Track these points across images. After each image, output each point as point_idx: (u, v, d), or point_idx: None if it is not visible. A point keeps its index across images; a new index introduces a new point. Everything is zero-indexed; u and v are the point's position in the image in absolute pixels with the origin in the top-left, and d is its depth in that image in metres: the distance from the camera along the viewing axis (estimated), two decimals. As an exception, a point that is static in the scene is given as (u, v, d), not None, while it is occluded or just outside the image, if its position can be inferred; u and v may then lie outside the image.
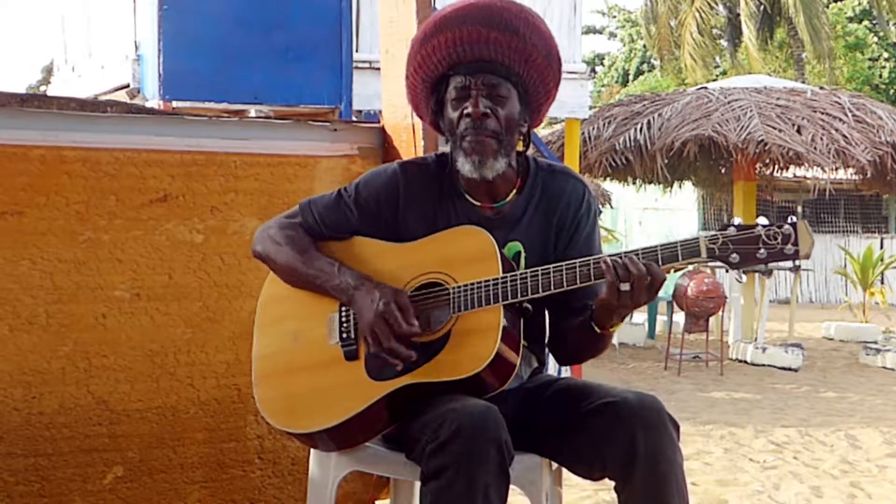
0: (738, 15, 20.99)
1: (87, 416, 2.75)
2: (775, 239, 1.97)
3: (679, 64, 20.91)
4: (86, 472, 2.76)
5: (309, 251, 2.23)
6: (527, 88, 2.19)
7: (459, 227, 2.18)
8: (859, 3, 23.74)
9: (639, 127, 9.69)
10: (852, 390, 7.83)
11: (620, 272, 1.98)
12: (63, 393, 2.73)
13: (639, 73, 28.49)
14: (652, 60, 26.57)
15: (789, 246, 1.96)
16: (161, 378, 2.83)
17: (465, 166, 2.15)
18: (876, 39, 23.47)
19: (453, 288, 2.10)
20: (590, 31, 29.72)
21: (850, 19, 23.81)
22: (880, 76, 23.40)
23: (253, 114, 4.81)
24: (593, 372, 7.67)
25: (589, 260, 2.04)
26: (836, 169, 9.42)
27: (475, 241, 2.13)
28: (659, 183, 12.08)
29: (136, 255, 2.79)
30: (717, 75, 21.58)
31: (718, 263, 2.03)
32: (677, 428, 2.04)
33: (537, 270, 2.06)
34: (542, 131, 13.02)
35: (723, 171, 11.79)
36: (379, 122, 3.17)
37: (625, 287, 1.98)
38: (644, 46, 25.82)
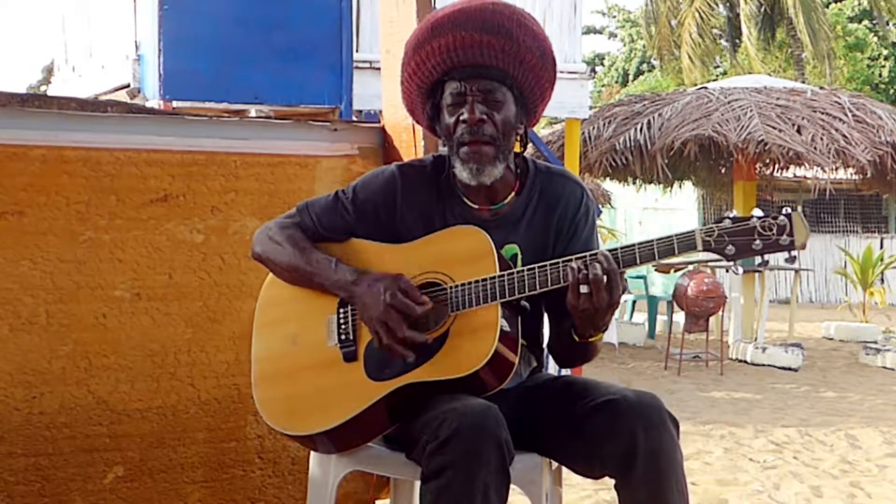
0: (738, 15, 20.97)
1: (88, 415, 2.76)
2: (771, 230, 1.97)
3: (679, 64, 20.89)
4: (86, 471, 2.76)
5: (308, 249, 2.23)
6: (522, 90, 2.18)
7: (456, 226, 2.18)
8: (859, 4, 23.73)
9: (639, 127, 9.69)
10: (852, 390, 7.83)
11: (579, 275, 1.98)
12: (63, 393, 2.73)
13: (639, 73, 28.48)
14: (652, 60, 26.55)
15: (784, 236, 1.96)
16: (161, 378, 2.83)
17: (462, 173, 2.16)
18: (876, 39, 23.46)
19: (451, 287, 2.10)
20: (590, 31, 29.74)
21: (850, 19, 23.80)
22: (880, 76, 23.39)
23: (253, 114, 4.81)
24: (594, 371, 7.66)
25: (585, 255, 2.04)
26: (836, 169, 9.41)
27: (472, 240, 2.13)
28: (659, 183, 12.08)
29: (136, 254, 2.80)
30: (717, 75, 21.58)
31: (715, 256, 2.02)
32: (677, 426, 2.04)
33: (534, 267, 2.06)
34: (542, 131, 13.04)
35: (723, 170, 11.79)
36: (379, 122, 3.17)
37: (584, 289, 1.98)
38: (644, 46, 25.80)
